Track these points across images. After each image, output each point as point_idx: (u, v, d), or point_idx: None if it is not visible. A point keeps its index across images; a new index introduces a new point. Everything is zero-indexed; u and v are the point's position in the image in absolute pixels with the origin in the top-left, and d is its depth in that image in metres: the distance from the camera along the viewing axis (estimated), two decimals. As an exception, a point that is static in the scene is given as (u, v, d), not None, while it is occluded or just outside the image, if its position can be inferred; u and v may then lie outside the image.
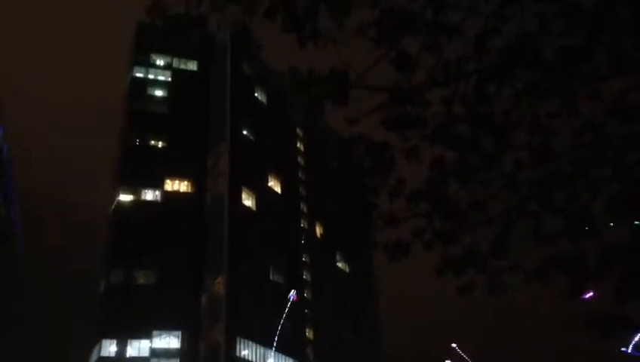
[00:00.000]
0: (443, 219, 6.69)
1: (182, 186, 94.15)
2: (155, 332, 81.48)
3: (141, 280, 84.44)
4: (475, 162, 6.48)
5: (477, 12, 5.85)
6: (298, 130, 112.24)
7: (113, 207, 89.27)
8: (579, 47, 5.71)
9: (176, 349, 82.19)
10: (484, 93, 6.18)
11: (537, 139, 6.26)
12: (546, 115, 6.10)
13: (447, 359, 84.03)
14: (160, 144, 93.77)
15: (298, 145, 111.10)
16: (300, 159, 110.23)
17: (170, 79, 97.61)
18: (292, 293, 79.99)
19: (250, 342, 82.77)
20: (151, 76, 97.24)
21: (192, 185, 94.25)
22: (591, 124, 6.06)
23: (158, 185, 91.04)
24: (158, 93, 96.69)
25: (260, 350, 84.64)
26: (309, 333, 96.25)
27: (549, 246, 6.31)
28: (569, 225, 6.20)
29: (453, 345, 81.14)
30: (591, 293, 6.57)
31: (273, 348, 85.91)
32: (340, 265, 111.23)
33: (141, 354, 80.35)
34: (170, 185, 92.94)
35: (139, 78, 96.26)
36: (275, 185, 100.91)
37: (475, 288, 6.63)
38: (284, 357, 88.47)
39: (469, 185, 6.57)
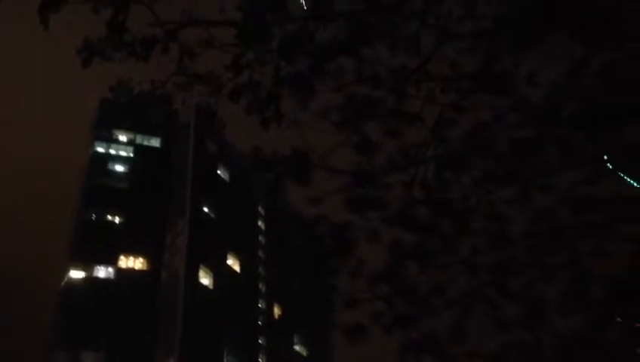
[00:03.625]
0: (403, 302, 6.67)
1: (137, 263, 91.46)
2: (97, 419, 76.26)
3: (88, 363, 79.92)
4: (435, 246, 6.56)
5: (435, 102, 6.13)
6: (260, 209, 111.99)
7: (63, 284, 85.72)
8: (530, 139, 5.99)
9: None
10: (442, 179, 6.36)
11: (494, 225, 6.40)
12: (502, 202, 6.29)
13: None
14: (117, 220, 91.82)
15: (259, 223, 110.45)
16: (260, 238, 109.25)
17: (132, 155, 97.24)
18: None
19: None
20: (112, 151, 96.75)
21: (148, 262, 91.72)
22: (545, 213, 6.25)
23: (112, 261, 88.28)
24: (119, 168, 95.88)
25: None
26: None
27: (506, 332, 6.32)
28: (524, 312, 6.24)
29: None
30: None
31: None
32: (297, 348, 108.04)
33: None
34: (125, 262, 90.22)
35: (100, 153, 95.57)
36: (234, 263, 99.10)
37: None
38: None
39: (428, 268, 6.61)
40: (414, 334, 6.60)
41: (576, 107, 5.81)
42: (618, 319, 6.20)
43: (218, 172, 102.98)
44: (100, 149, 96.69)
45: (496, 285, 6.34)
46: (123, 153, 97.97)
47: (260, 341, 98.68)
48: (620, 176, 5.90)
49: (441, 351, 6.46)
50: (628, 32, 5.60)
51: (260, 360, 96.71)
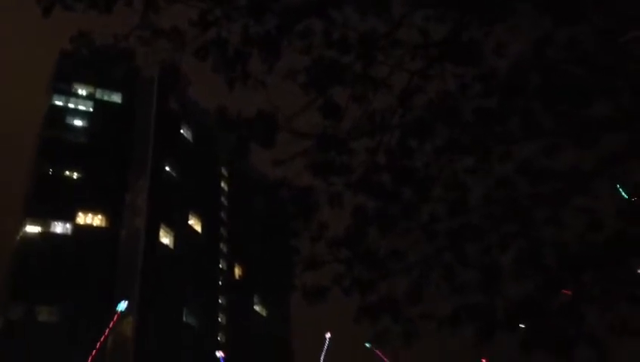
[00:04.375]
0: (362, 266, 6.79)
1: (95, 220, 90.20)
2: (53, 375, 76.14)
3: (43, 317, 79.20)
4: (395, 212, 6.67)
5: (403, 69, 6.14)
6: (223, 170, 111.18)
7: (18, 238, 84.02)
8: (494, 109, 6.10)
9: (76, 393, 77.00)
10: (406, 147, 6.43)
11: (453, 193, 6.54)
12: (463, 171, 6.42)
13: None
14: (75, 175, 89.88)
15: (222, 185, 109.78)
16: (223, 199, 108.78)
17: (91, 109, 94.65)
18: (220, 355, 77.03)
19: (158, 387, 78.88)
20: (71, 105, 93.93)
21: (107, 220, 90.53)
22: (502, 182, 6.41)
23: (69, 217, 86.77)
24: (78, 122, 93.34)
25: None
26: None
27: (461, 295, 6.53)
28: (479, 277, 6.46)
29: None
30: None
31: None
32: (257, 308, 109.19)
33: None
34: (83, 219, 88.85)
35: (58, 106, 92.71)
36: (195, 224, 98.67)
37: (390, 335, 6.72)
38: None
39: (388, 233, 6.73)
40: (372, 296, 6.75)
41: (540, 79, 5.91)
42: (564, 291, 6.48)
43: (181, 131, 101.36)
44: (59, 102, 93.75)
45: (453, 251, 6.52)
46: (82, 107, 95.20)
47: (219, 301, 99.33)
48: (576, 148, 6.08)
49: (398, 313, 6.65)
50: (593, 8, 5.69)
51: (219, 319, 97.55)
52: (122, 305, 74.28)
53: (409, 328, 6.68)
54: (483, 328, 6.41)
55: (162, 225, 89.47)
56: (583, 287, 6.23)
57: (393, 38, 6.05)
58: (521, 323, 6.48)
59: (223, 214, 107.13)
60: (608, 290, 6.15)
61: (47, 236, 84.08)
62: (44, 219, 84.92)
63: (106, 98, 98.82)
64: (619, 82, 5.80)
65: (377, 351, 75.12)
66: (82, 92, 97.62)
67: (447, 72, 6.12)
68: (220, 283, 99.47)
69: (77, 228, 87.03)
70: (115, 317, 78.62)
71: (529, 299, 6.43)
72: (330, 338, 78.33)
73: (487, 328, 6.48)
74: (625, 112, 5.74)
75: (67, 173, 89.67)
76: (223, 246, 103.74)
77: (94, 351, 76.39)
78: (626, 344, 6.30)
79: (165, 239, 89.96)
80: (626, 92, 5.79)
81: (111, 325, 76.32)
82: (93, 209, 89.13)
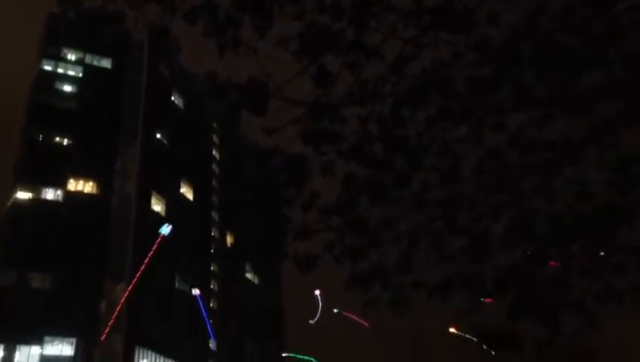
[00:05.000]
0: (353, 234, 6.83)
1: (86, 187, 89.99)
2: (47, 338, 76.86)
3: (35, 283, 79.59)
4: (387, 181, 6.68)
5: (396, 37, 6.08)
6: (214, 138, 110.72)
7: (9, 204, 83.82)
8: (487, 79, 6.07)
9: (69, 357, 77.92)
10: (399, 115, 6.41)
11: (445, 162, 6.56)
12: (455, 141, 6.42)
13: None
14: (65, 141, 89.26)
15: (214, 153, 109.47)
16: (214, 167, 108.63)
17: (81, 75, 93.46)
18: (195, 292, 77.23)
19: (150, 352, 79.95)
20: (60, 70, 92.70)
21: (98, 187, 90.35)
22: (494, 153, 6.42)
23: (60, 183, 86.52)
24: (67, 88, 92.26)
25: (160, 360, 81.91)
26: (212, 344, 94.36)
27: (451, 264, 6.61)
28: (470, 245, 6.52)
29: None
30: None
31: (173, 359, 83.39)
32: (249, 276, 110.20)
33: (30, 361, 75.56)
34: (74, 185, 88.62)
35: (47, 71, 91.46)
36: (187, 192, 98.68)
37: (380, 303, 6.80)
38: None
39: (380, 202, 6.76)
40: (363, 264, 6.81)
41: (533, 49, 5.88)
42: (551, 263, 6.56)
43: (172, 98, 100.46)
44: (47, 67, 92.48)
45: (444, 219, 6.56)
46: (71, 72, 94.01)
47: (211, 268, 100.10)
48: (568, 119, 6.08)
49: (388, 281, 6.72)
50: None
51: (211, 286, 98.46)
52: (165, 229, 73.80)
53: (399, 296, 6.76)
54: (472, 296, 6.51)
55: (153, 193, 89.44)
56: (571, 257, 6.31)
57: (386, 3, 5.97)
58: (509, 292, 6.57)
59: (214, 182, 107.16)
60: (597, 260, 6.23)
61: (38, 202, 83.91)
62: (34, 186, 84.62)
63: (95, 63, 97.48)
64: (613, 51, 5.78)
65: (345, 313, 77.52)
66: (71, 57, 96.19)
67: (441, 41, 6.06)
68: (212, 250, 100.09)
69: (68, 194, 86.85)
70: (159, 239, 79.23)
71: (518, 268, 6.51)
72: (320, 295, 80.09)
73: (476, 296, 6.57)
74: (618, 82, 5.73)
75: (57, 139, 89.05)
76: (214, 215, 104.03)
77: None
78: (613, 313, 6.42)
79: (157, 206, 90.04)
80: (619, 61, 5.77)
81: (155, 247, 76.92)
82: (84, 175, 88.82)
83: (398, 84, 6.24)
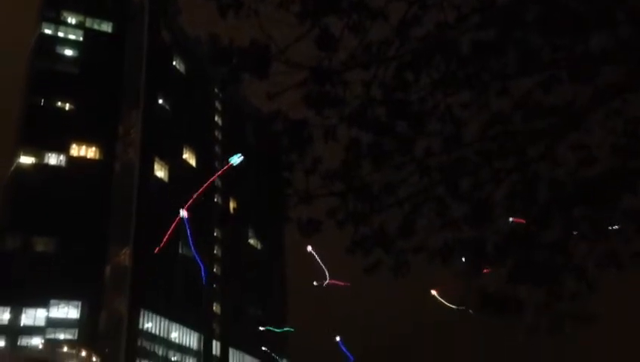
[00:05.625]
0: (356, 200, 6.84)
1: (89, 152, 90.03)
2: (52, 302, 78.07)
3: (40, 248, 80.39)
4: (390, 146, 6.65)
5: (400, -2, 5.97)
6: (217, 104, 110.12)
7: (12, 169, 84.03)
8: (492, 42, 5.98)
9: (75, 320, 79.25)
10: (402, 80, 6.34)
11: (449, 127, 6.51)
12: (459, 106, 6.36)
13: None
14: (67, 106, 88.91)
15: (216, 118, 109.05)
16: (217, 133, 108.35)
17: (81, 39, 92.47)
18: (184, 214, 77.23)
19: (155, 315, 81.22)
20: (61, 34, 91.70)
21: (101, 152, 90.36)
22: (498, 118, 6.37)
23: (63, 149, 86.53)
24: (68, 52, 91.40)
25: (165, 323, 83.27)
26: (215, 308, 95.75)
27: (452, 229, 6.63)
28: (471, 211, 6.53)
29: (337, 339, 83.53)
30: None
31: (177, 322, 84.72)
32: (251, 241, 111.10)
33: (36, 324, 76.91)
34: (77, 151, 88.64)
35: (47, 35, 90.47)
36: (189, 157, 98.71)
37: (381, 267, 6.85)
38: (189, 331, 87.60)
39: (382, 167, 6.74)
40: (365, 229, 6.84)
41: (540, 10, 5.77)
42: (515, 219, 6.58)
43: (174, 63, 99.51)
44: (47, 31, 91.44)
45: (446, 185, 6.56)
46: (72, 36, 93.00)
47: (214, 233, 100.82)
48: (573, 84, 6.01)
49: (390, 246, 6.75)
50: None
51: (214, 251, 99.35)
52: (235, 159, 73.20)
53: (400, 260, 6.81)
54: (473, 261, 6.55)
55: (156, 159, 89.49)
56: (573, 222, 6.32)
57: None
58: (510, 257, 6.61)
59: (217, 148, 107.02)
60: (599, 225, 6.25)
61: (41, 167, 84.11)
62: (37, 151, 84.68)
63: (96, 27, 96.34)
64: (619, 14, 5.67)
65: (326, 283, 79.15)
66: (72, 20, 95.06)
67: (446, 2, 5.95)
68: (215, 216, 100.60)
69: (70, 159, 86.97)
70: (226, 166, 79.45)
71: (518, 233, 6.54)
72: (314, 250, 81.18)
73: (477, 261, 6.62)
74: (624, 44, 5.64)
75: (59, 104, 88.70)
76: (217, 181, 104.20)
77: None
78: (613, 277, 6.48)
79: (160, 172, 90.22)
80: (625, 24, 5.67)
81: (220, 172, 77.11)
82: (87, 141, 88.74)
83: (402, 47, 6.14)
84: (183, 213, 76.75)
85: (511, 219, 6.59)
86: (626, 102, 5.89)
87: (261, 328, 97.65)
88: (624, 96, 5.87)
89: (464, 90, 6.28)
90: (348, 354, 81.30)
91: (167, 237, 71.08)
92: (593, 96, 5.92)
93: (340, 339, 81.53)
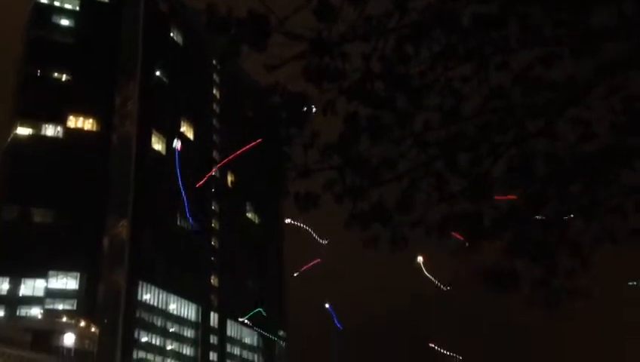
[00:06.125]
0: (354, 174, 6.83)
1: (86, 124, 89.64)
2: (51, 272, 78.65)
3: (38, 219, 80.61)
4: (389, 120, 6.62)
5: (401, -32, 5.87)
6: (215, 77, 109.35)
7: (9, 140, 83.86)
8: (493, 15, 5.91)
9: (74, 290, 79.91)
10: (402, 53, 6.28)
11: (448, 101, 6.48)
12: (459, 79, 6.32)
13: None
14: (64, 77, 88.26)
15: (214, 91, 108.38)
16: (215, 106, 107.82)
17: (78, 8, 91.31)
18: (176, 143, 77.33)
19: (153, 287, 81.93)
20: (57, 3, 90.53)
21: (98, 124, 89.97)
22: (498, 92, 6.34)
23: (60, 120, 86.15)
24: (64, 22, 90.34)
25: (163, 295, 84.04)
26: (213, 280, 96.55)
27: (450, 204, 6.65)
28: (470, 186, 6.54)
29: (327, 306, 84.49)
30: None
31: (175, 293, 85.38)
32: (249, 215, 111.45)
33: (35, 294, 77.60)
34: (74, 122, 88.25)
35: (43, 3, 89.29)
36: (187, 130, 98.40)
37: (379, 241, 6.88)
38: (187, 302, 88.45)
39: (381, 142, 6.72)
40: (363, 204, 6.85)
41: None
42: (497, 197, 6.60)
43: (171, 34, 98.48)
44: (44, 0, 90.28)
45: (445, 160, 6.55)
46: (68, 6, 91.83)
47: (212, 207, 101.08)
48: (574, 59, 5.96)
49: (388, 220, 6.77)
50: None
51: (212, 224, 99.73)
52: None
53: (398, 234, 6.83)
54: (470, 235, 6.58)
55: (154, 131, 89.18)
56: (571, 198, 6.33)
57: None
58: (507, 232, 6.64)
59: (215, 121, 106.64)
60: (596, 202, 6.26)
61: (38, 138, 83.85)
62: (34, 122, 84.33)
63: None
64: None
65: (301, 270, 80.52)
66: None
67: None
68: (213, 190, 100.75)
69: (68, 131, 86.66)
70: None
71: (516, 208, 6.56)
72: (296, 222, 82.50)
73: (474, 235, 6.65)
74: (627, 21, 5.58)
75: (55, 74, 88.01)
76: (215, 154, 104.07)
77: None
78: (608, 253, 6.51)
79: (157, 145, 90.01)
80: (629, 0, 5.61)
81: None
82: (84, 112, 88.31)
83: (401, 19, 6.07)
84: (177, 143, 76.78)
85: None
86: (628, 79, 5.85)
87: (240, 319, 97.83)
88: (626, 72, 5.83)
89: (465, 63, 6.23)
90: (336, 320, 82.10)
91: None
92: (594, 73, 5.88)
93: (330, 306, 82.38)
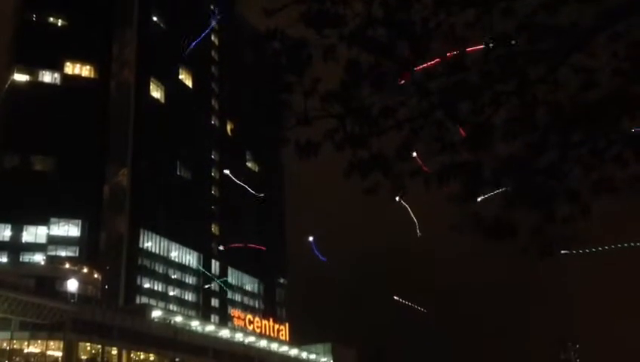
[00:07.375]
0: (355, 122, 6.79)
1: (84, 71, 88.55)
2: (52, 220, 79.37)
3: (38, 166, 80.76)
4: (390, 68, 6.53)
5: None
6: (213, 23, 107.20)
7: (6, 86, 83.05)
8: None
9: (76, 237, 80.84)
10: (404, -1, 6.15)
11: (451, 49, 6.38)
12: (462, 25, 6.20)
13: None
14: (60, 22, 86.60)
15: (213, 38, 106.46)
16: (213, 53, 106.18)
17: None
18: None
19: (154, 235, 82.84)
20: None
21: (96, 71, 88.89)
22: (502, 39, 6.23)
23: (57, 67, 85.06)
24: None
25: (164, 242, 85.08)
26: (214, 229, 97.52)
27: (450, 153, 6.63)
28: (470, 135, 6.51)
29: (310, 239, 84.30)
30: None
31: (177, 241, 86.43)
32: (249, 164, 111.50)
33: (37, 241, 78.53)
34: (71, 69, 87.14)
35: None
36: (186, 78, 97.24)
37: (380, 190, 6.91)
38: (188, 250, 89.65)
39: (381, 90, 6.65)
40: (363, 152, 6.84)
41: None
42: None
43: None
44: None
45: (445, 108, 6.50)
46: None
47: (212, 156, 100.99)
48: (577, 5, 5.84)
49: (388, 169, 6.78)
50: None
51: (212, 174, 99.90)
52: None
53: (397, 183, 6.85)
54: (469, 185, 6.60)
55: (152, 79, 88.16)
56: (571, 147, 6.32)
57: None
58: (506, 182, 6.65)
59: (214, 69, 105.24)
60: (596, 150, 6.26)
61: (35, 85, 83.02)
62: (31, 68, 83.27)
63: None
64: None
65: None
66: None
67: None
68: (212, 138, 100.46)
69: (65, 78, 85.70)
70: None
71: (516, 157, 6.55)
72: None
73: (473, 185, 6.66)
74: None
75: (51, 19, 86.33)
76: (214, 102, 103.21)
77: (91, 200, 78.52)
78: (606, 202, 6.55)
79: (156, 93, 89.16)
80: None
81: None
82: (81, 59, 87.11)
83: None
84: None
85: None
86: (631, 26, 5.75)
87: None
88: (629, 19, 5.72)
89: (468, 8, 6.10)
90: (318, 253, 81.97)
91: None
92: (597, 18, 5.77)
93: (313, 239, 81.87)
